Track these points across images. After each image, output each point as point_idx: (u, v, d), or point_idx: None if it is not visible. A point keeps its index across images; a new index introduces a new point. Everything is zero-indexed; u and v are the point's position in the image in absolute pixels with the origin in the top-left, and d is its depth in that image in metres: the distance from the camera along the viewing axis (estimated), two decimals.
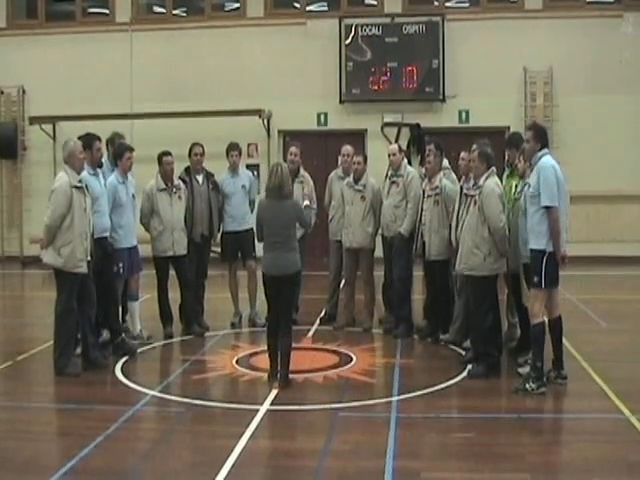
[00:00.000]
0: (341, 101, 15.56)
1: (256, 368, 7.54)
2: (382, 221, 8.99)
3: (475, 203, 7.21)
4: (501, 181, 7.51)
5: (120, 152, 8.36)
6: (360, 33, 15.40)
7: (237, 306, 9.68)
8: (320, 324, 9.47)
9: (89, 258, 7.39)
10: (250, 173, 10.04)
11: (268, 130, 15.71)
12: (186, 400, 6.60)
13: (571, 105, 14.86)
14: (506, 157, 8.03)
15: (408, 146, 14.73)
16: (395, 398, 6.60)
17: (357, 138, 14.82)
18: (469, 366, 7.33)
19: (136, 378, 7.31)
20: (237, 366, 7.71)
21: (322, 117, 15.75)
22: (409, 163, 9.40)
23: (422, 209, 8.51)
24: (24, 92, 16.38)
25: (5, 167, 16.70)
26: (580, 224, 13.71)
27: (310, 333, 9.08)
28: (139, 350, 8.27)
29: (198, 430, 6.08)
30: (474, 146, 7.43)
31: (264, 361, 7.33)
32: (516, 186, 7.50)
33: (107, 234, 7.99)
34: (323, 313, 9.69)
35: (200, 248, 9.23)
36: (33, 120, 15.88)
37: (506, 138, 9.30)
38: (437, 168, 8.48)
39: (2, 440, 5.79)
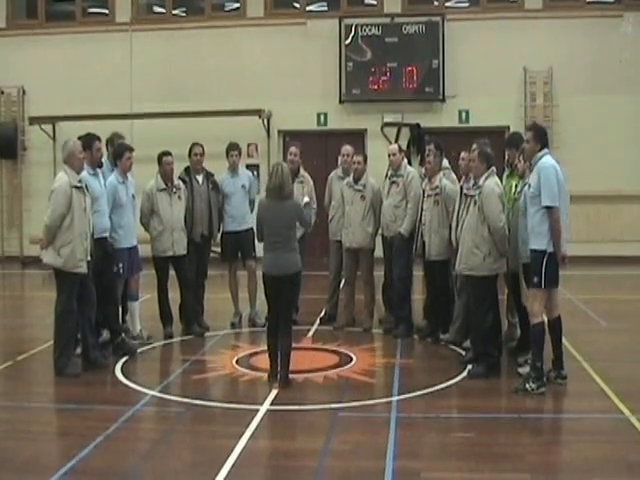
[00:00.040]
0: (341, 101, 15.55)
1: (256, 368, 7.54)
2: (382, 221, 8.99)
3: (475, 203, 7.21)
4: (501, 181, 7.51)
5: (120, 152, 8.36)
6: (360, 33, 15.40)
7: (237, 306, 9.67)
8: (320, 324, 9.47)
9: (89, 258, 7.39)
10: (250, 173, 10.03)
11: (268, 130, 15.71)
12: (186, 400, 6.60)
13: (571, 105, 14.85)
14: (506, 157, 8.03)
15: (408, 146, 14.73)
16: (395, 398, 6.60)
17: (357, 138, 14.81)
18: (469, 366, 7.33)
19: (136, 378, 7.31)
20: (237, 366, 7.71)
21: (322, 117, 15.74)
22: (409, 163, 9.40)
23: (422, 209, 8.50)
24: (24, 92, 16.38)
25: (5, 167, 16.70)
26: (580, 224, 13.73)
27: (310, 333, 9.07)
28: (139, 350, 8.27)
29: (198, 430, 6.07)
30: (474, 146, 7.44)
31: (264, 361, 7.33)
32: (516, 186, 7.49)
33: (107, 234, 7.99)
34: (323, 313, 9.69)
35: (200, 248, 9.23)
36: (33, 120, 15.88)
37: (506, 138, 9.32)
38: (437, 168, 8.48)
39: (2, 440, 5.79)
